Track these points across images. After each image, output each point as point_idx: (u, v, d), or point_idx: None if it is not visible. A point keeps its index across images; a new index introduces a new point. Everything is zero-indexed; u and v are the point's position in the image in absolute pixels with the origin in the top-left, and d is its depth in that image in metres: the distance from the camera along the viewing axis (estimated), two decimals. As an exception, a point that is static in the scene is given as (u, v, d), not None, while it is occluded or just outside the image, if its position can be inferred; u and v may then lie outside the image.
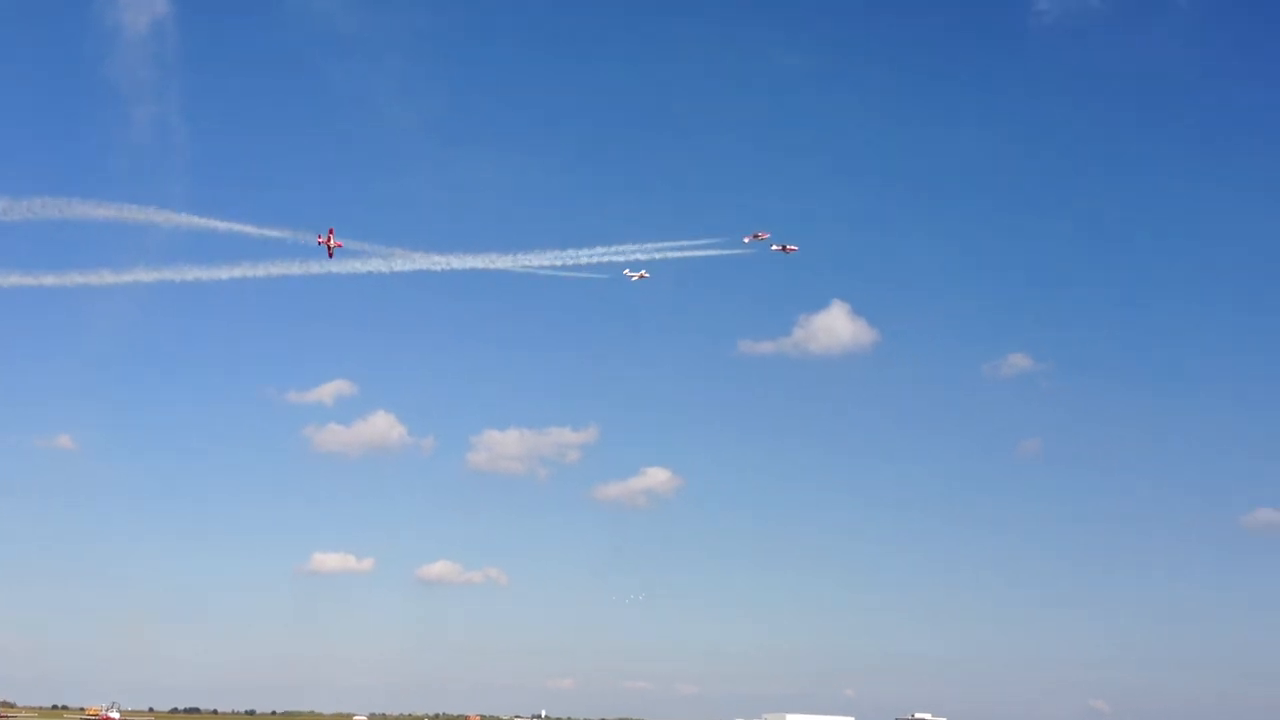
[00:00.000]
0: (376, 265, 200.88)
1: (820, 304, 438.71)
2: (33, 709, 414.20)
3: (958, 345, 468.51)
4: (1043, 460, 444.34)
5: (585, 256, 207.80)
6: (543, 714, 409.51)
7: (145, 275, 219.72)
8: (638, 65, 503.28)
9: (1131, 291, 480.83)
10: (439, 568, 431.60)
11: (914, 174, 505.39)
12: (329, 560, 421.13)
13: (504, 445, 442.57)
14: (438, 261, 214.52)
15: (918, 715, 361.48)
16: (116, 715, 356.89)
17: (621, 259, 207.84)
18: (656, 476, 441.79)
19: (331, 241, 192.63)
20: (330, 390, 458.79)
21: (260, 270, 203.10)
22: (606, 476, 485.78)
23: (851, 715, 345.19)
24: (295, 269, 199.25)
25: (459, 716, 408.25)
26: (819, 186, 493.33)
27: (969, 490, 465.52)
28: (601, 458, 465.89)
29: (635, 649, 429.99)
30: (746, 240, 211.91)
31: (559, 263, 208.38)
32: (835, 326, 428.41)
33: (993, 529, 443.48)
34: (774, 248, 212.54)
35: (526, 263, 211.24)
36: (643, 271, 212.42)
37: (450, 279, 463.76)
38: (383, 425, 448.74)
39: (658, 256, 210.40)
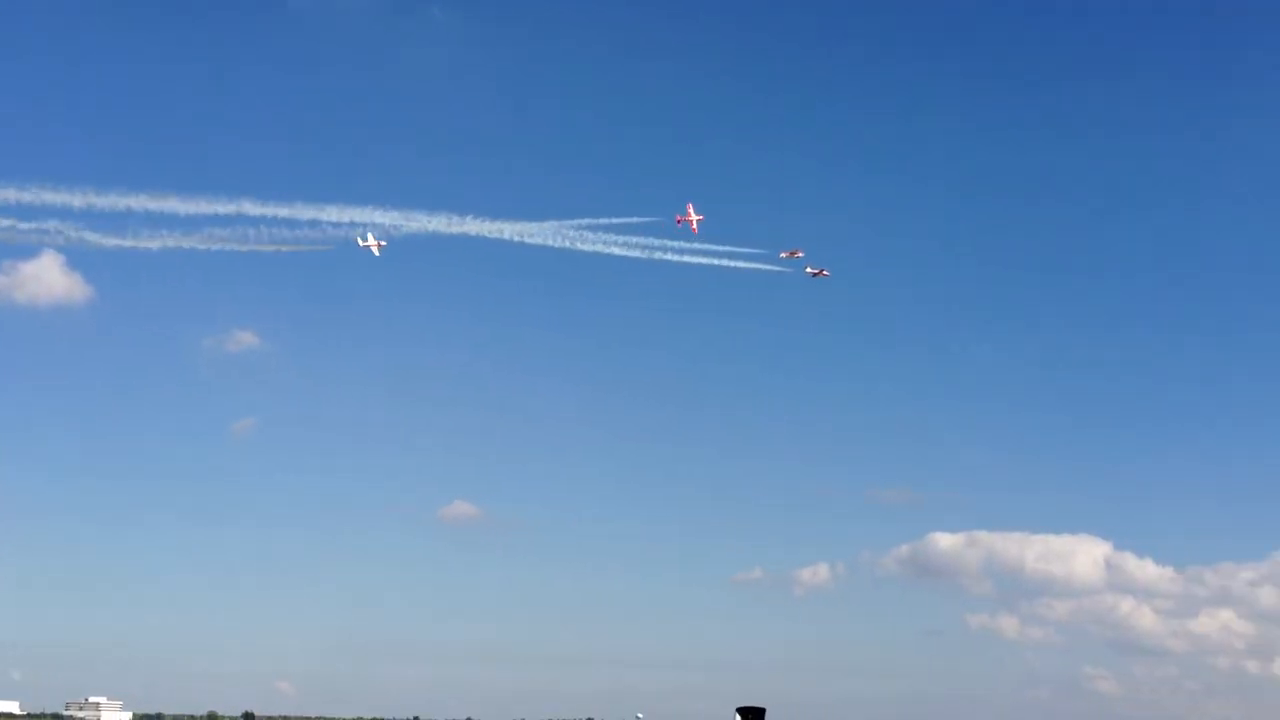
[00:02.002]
0: None
1: (31, 252, 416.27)
2: None
3: (181, 316, 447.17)
4: (256, 437, 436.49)
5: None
6: None
7: None
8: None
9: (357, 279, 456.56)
10: None
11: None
12: None
13: None
14: None
15: (91, 699, 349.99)
16: None
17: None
18: None
19: None
20: None
21: None
22: None
23: (16, 700, 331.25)
24: None
25: None
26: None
27: (181, 465, 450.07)
28: None
29: None
30: (783, 256, 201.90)
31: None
32: (46, 278, 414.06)
33: (201, 510, 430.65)
34: (808, 270, 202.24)
35: None
36: None
37: None
38: None
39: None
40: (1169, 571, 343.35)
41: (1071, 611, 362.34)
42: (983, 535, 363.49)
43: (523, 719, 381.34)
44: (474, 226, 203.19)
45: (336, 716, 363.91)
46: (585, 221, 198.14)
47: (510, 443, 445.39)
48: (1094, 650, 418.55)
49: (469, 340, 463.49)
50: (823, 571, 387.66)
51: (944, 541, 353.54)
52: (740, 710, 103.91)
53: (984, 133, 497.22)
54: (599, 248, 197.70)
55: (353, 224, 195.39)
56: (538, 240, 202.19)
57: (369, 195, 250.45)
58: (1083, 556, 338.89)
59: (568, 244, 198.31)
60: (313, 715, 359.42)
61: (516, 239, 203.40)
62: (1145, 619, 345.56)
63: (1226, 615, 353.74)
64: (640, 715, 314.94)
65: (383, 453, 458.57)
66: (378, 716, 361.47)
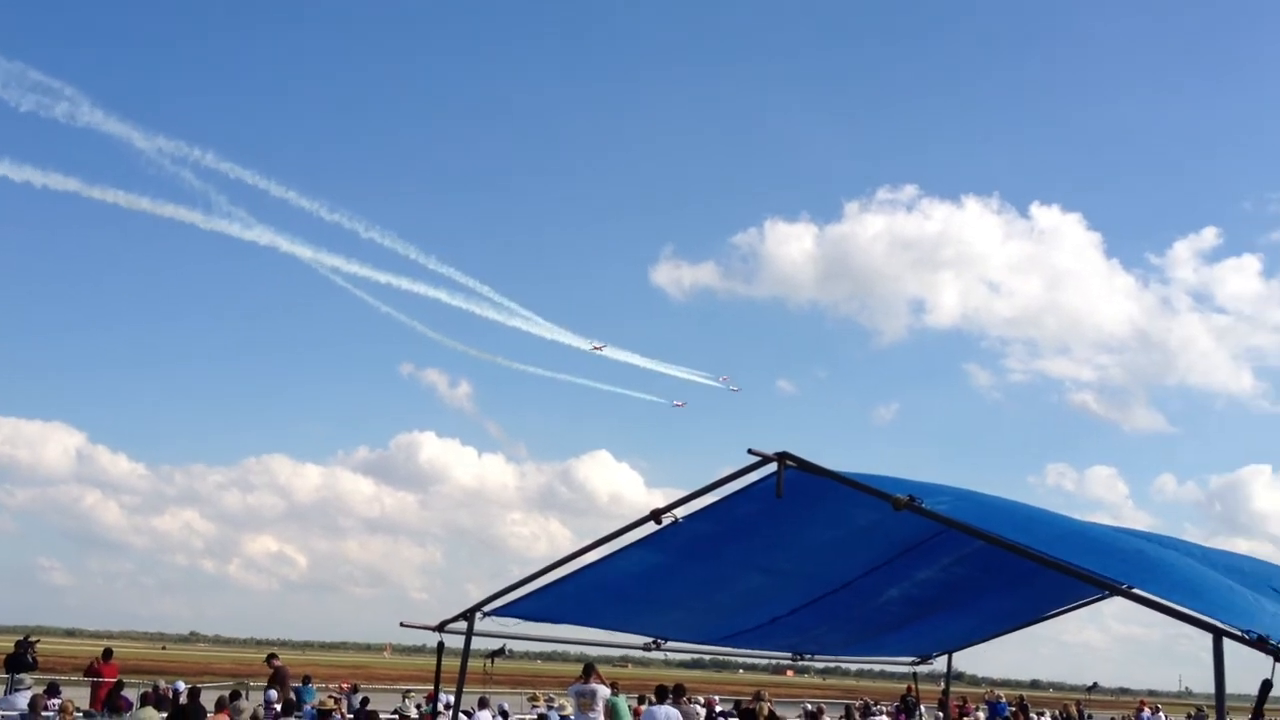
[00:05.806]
0: None
1: None
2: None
3: None
4: None
5: None
6: None
7: None
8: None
9: None
10: None
11: None
12: None
13: None
14: None
15: None
16: None
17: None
18: None
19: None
20: None
21: None
22: None
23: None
24: None
25: None
26: None
27: None
28: None
29: None
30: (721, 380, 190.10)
31: None
32: None
33: None
34: (732, 388, 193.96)
35: None
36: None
37: None
38: None
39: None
40: (141, 468, 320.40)
41: (32, 500, 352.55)
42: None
43: None
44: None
45: None
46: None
47: None
48: (51, 541, 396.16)
49: None
50: None
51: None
52: None
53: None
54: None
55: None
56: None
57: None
58: (53, 445, 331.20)
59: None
60: None
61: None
62: (110, 513, 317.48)
63: (190, 515, 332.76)
64: None
65: None
66: None
